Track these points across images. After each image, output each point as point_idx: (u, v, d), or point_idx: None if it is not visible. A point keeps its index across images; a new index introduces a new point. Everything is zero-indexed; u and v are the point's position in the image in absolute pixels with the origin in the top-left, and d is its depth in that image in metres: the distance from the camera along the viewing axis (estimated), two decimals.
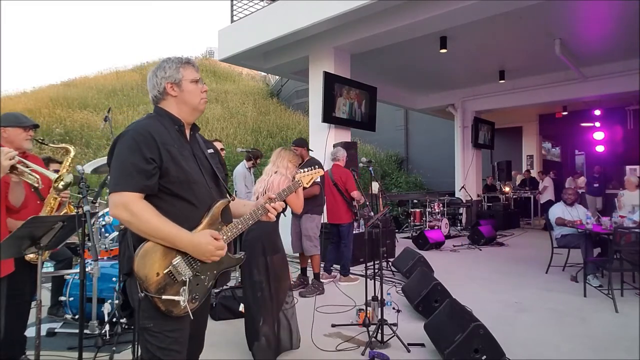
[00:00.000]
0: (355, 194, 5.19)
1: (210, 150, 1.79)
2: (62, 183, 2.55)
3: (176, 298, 1.49)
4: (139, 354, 1.60)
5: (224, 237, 1.64)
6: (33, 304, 2.61)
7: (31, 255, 2.67)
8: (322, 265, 5.45)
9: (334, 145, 6.48)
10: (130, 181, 1.48)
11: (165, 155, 1.54)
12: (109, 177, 2.51)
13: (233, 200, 1.78)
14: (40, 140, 2.73)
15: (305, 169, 1.92)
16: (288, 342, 3.13)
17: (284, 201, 2.78)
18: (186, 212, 1.58)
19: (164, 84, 1.66)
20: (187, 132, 1.73)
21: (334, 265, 5.48)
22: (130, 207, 1.47)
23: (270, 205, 1.76)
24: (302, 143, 5.19)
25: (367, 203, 5.61)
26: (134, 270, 1.47)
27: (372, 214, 5.22)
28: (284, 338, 3.09)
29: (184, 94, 1.67)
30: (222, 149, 4.77)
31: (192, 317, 1.56)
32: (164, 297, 1.48)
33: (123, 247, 1.60)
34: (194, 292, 1.56)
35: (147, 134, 1.54)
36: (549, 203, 10.02)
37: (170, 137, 1.61)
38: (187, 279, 1.53)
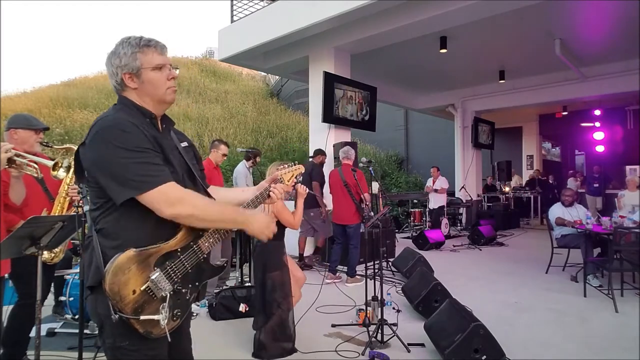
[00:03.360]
0: (367, 195, 5.14)
1: (184, 144, 1.58)
2: (61, 169, 2.52)
3: (155, 317, 1.31)
4: None
5: (206, 244, 1.47)
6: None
7: (46, 256, 2.68)
8: (327, 265, 5.47)
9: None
10: (157, 171, 1.30)
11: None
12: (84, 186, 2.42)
13: (214, 200, 1.60)
14: (44, 143, 2.73)
15: (285, 165, 1.81)
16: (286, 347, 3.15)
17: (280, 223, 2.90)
18: None
19: (120, 74, 1.41)
20: (159, 124, 1.50)
21: (339, 266, 5.48)
22: (187, 199, 1.32)
23: (273, 187, 1.68)
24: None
25: (368, 203, 5.61)
26: (106, 289, 1.25)
27: (372, 214, 5.22)
28: (282, 344, 3.12)
29: (145, 86, 1.42)
30: (224, 155, 4.72)
31: (169, 340, 1.36)
32: (142, 317, 1.28)
33: (88, 255, 1.37)
34: (175, 309, 1.38)
35: (132, 125, 1.33)
36: (441, 210, 8.79)
37: (149, 132, 1.39)
38: (168, 294, 1.34)
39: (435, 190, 8.78)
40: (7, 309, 2.63)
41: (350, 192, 5.16)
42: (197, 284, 1.46)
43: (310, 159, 6.18)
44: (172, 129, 1.58)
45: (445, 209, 8.97)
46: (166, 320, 1.33)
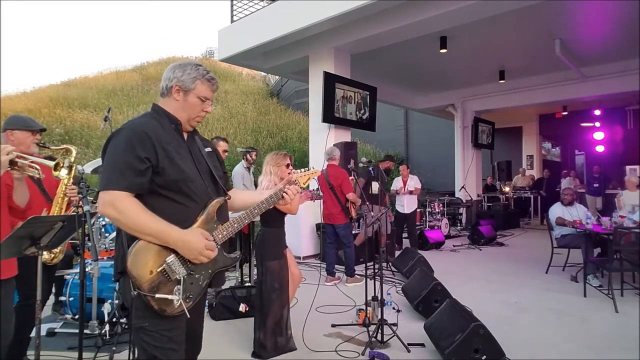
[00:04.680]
0: (351, 195, 5.15)
1: (208, 149, 1.78)
2: (63, 170, 2.50)
3: (169, 297, 1.47)
4: (137, 354, 1.59)
5: (219, 236, 1.62)
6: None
7: (46, 257, 2.67)
8: (324, 267, 5.46)
9: (334, 145, 6.47)
10: (119, 179, 1.47)
11: (162, 154, 1.53)
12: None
13: (229, 199, 1.75)
14: (41, 144, 2.72)
15: (302, 169, 1.93)
16: (284, 345, 3.14)
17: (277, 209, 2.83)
18: (182, 211, 1.57)
19: (173, 83, 1.65)
20: (184, 132, 1.72)
21: (336, 267, 5.47)
22: (117, 205, 1.46)
23: (287, 188, 1.81)
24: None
25: (367, 203, 5.61)
26: (127, 268, 1.45)
27: (372, 213, 5.21)
28: (280, 341, 3.12)
29: (185, 104, 1.66)
30: (225, 151, 4.71)
31: (188, 316, 1.54)
32: (157, 295, 1.46)
33: (117, 245, 1.60)
34: (188, 291, 1.54)
35: (142, 132, 1.53)
36: (414, 215, 7.54)
37: (167, 135, 1.60)
38: (182, 278, 1.51)
39: (410, 192, 7.35)
40: None
41: (335, 193, 5.19)
42: (209, 271, 1.62)
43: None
44: (198, 135, 1.79)
45: (418, 212, 7.80)
46: (180, 301, 1.49)
